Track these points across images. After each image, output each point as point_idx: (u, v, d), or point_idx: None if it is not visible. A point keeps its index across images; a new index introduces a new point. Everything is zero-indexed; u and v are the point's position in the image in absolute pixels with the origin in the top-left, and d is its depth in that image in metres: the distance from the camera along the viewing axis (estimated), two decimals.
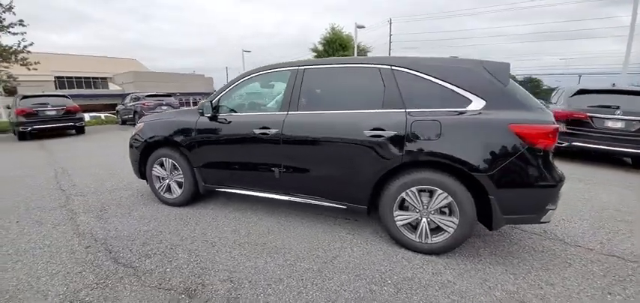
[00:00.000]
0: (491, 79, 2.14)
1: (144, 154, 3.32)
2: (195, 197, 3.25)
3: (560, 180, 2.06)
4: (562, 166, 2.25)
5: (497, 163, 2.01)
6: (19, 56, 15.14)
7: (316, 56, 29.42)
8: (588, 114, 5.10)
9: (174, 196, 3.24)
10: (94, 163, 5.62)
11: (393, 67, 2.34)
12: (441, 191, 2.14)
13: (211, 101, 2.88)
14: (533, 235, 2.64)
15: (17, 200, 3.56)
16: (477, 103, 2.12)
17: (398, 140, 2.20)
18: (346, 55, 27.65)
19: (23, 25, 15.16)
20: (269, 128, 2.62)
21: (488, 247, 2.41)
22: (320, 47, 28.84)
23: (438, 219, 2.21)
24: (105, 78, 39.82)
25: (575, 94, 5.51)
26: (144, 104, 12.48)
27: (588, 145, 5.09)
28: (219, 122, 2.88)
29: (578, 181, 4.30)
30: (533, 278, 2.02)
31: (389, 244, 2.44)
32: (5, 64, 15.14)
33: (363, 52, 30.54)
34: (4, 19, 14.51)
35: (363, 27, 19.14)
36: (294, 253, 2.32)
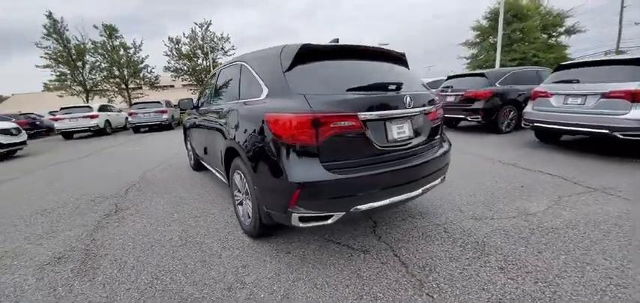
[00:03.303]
0: (277, 66, 2.07)
1: (185, 134, 5.25)
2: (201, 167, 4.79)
3: (314, 181, 1.74)
4: None
5: (256, 152, 2.02)
6: None
7: (478, 35, 25.00)
8: None
9: (191, 162, 4.96)
10: None
11: (242, 63, 2.68)
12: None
13: (193, 99, 4.25)
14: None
15: (135, 164, 6.46)
16: (265, 92, 2.14)
17: (223, 127, 2.59)
18: (525, 26, 21.56)
19: (234, 49, 23.81)
20: (197, 117, 3.64)
21: (325, 249, 2.25)
22: (485, 23, 24.13)
23: (248, 202, 2.41)
24: None
25: None
26: None
27: None
28: (195, 113, 4.19)
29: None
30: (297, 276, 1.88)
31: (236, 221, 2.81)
32: None
33: (555, 20, 22.53)
34: (224, 46, 23.50)
35: None
36: (180, 199, 3.25)
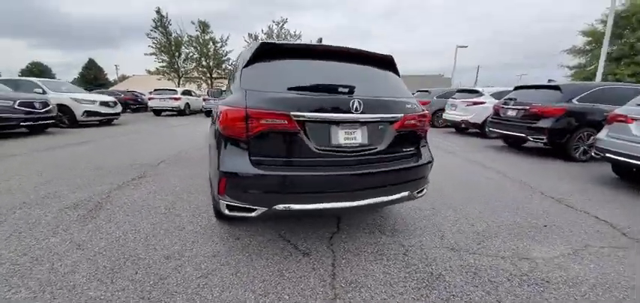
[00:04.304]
0: (242, 62, 2.21)
1: None
2: None
3: (238, 173, 1.83)
4: None
5: (211, 139, 2.22)
6: None
7: (589, 41, 20.74)
8: None
9: None
10: None
11: (239, 58, 2.91)
12: None
13: (222, 90, 4.76)
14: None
15: (183, 142, 7.52)
16: (235, 85, 2.31)
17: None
18: None
19: None
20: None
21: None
22: (600, 27, 19.73)
23: None
24: None
25: None
26: None
27: None
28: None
29: None
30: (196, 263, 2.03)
31: None
32: None
33: None
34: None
35: None
36: (192, 176, 3.70)
